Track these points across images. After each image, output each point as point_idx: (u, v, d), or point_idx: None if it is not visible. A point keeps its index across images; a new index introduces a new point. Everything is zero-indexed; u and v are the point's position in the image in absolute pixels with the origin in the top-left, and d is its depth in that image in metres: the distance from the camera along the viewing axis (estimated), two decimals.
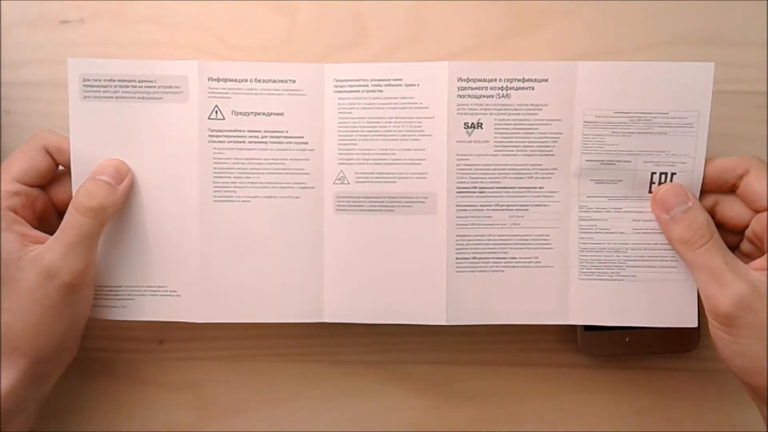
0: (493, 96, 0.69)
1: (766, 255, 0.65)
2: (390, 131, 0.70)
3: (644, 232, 0.70)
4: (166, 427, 0.79)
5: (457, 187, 0.70)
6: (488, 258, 0.71)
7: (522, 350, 0.79)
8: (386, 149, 0.70)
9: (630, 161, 0.69)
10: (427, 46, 0.77)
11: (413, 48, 0.77)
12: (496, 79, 0.69)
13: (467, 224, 0.71)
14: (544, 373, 0.79)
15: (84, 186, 0.68)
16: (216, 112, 0.70)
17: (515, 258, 0.71)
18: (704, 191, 0.69)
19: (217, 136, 0.70)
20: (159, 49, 0.77)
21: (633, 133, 0.69)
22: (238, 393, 0.80)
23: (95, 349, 0.79)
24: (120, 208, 0.70)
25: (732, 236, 0.70)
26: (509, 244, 0.71)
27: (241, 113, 0.70)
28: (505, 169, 0.70)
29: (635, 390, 0.78)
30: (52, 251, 0.65)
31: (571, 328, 0.77)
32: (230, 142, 0.70)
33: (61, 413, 0.79)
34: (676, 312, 0.71)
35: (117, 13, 0.77)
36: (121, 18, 0.77)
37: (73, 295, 0.66)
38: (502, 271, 0.71)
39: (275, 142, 0.70)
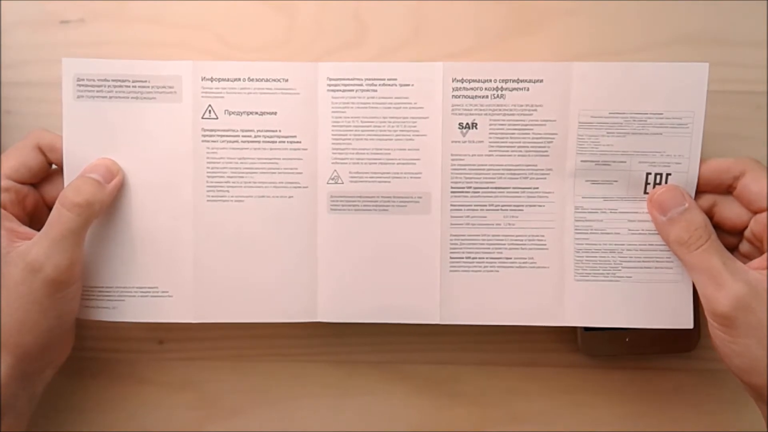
0: (487, 96, 0.69)
1: (764, 255, 0.64)
2: (384, 131, 0.70)
3: (640, 233, 0.70)
4: (166, 427, 0.79)
5: (452, 187, 0.70)
6: (483, 258, 0.71)
7: (522, 350, 0.79)
8: (380, 149, 0.70)
9: (625, 162, 0.69)
10: (427, 46, 0.77)
11: (413, 48, 0.77)
12: (490, 80, 0.69)
13: (461, 224, 0.71)
14: (544, 373, 0.79)
15: (72, 183, 0.68)
16: (209, 111, 0.70)
17: (510, 258, 0.71)
18: (700, 192, 0.69)
19: (210, 136, 0.70)
20: (159, 49, 0.77)
21: (628, 133, 0.69)
22: (238, 393, 0.80)
23: (95, 350, 0.79)
24: (108, 207, 0.70)
25: (730, 237, 0.70)
26: (504, 244, 0.71)
27: (234, 113, 0.70)
28: (499, 170, 0.70)
29: (635, 390, 0.78)
30: (37, 246, 0.65)
31: (571, 328, 0.77)
32: (223, 141, 0.70)
33: (61, 413, 0.79)
34: (672, 313, 0.70)
35: (117, 13, 0.77)
36: (121, 18, 0.77)
37: (58, 292, 0.66)
38: (497, 271, 0.71)
39: (268, 142, 0.70)
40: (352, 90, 0.70)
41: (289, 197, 0.71)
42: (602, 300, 0.71)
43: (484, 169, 0.70)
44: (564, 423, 0.79)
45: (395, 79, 0.70)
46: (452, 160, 0.70)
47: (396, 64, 0.70)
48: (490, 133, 0.70)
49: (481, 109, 0.69)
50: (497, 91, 0.69)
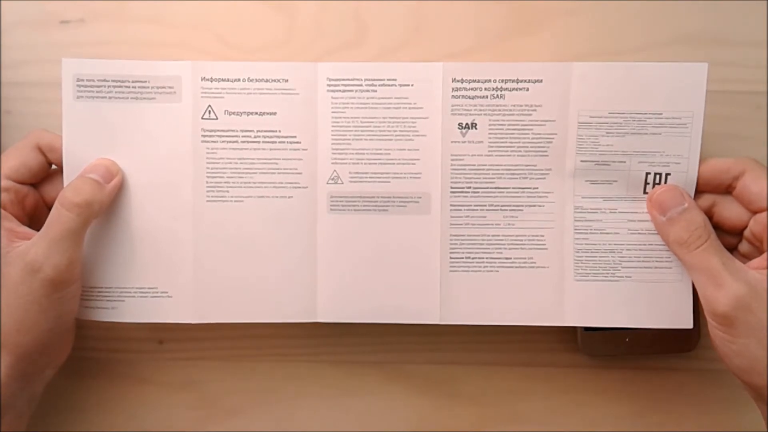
0: (487, 97, 0.69)
1: (764, 254, 0.64)
2: (384, 131, 0.70)
3: (639, 233, 0.70)
4: (166, 427, 0.79)
5: (451, 187, 0.70)
6: (482, 258, 0.71)
7: (522, 350, 0.79)
8: (380, 149, 0.70)
9: (624, 162, 0.69)
10: (427, 46, 0.77)
11: (413, 48, 0.77)
12: (490, 80, 0.69)
13: (461, 224, 0.71)
14: (544, 373, 0.79)
15: (72, 183, 0.68)
16: (209, 111, 0.70)
17: (510, 258, 0.71)
18: (700, 192, 0.69)
19: (210, 136, 0.70)
20: (159, 49, 0.77)
21: (627, 133, 0.69)
22: (238, 393, 0.80)
23: (95, 350, 0.79)
24: (107, 207, 0.70)
25: (730, 237, 0.69)
26: (503, 244, 0.71)
27: (234, 113, 0.70)
28: (499, 170, 0.70)
29: (635, 390, 0.78)
30: (36, 246, 0.65)
31: (571, 328, 0.77)
32: (223, 141, 0.70)
33: (61, 413, 0.79)
34: (671, 313, 0.70)
35: (117, 13, 0.77)
36: (121, 18, 0.77)
37: (57, 292, 0.66)
38: (497, 271, 0.71)
39: (268, 142, 0.70)
40: (352, 90, 0.70)
41: (289, 197, 0.71)
42: (602, 300, 0.71)
43: (483, 169, 0.70)
44: (564, 423, 0.79)
45: (395, 80, 0.70)
46: (452, 160, 0.70)
47: (396, 64, 0.70)
48: (489, 134, 0.70)
49: (480, 110, 0.69)
50: (497, 91, 0.69)
